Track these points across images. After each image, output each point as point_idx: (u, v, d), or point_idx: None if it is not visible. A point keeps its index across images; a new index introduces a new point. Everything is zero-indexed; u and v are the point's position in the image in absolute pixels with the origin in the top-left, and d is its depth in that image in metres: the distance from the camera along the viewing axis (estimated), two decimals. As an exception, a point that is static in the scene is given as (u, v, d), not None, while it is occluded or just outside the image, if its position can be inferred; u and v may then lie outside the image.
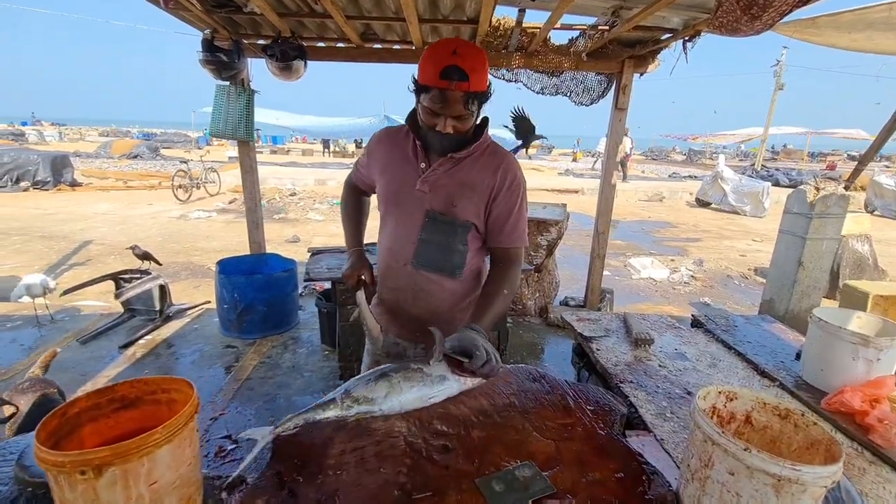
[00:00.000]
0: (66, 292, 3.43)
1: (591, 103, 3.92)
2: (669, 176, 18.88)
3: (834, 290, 4.89)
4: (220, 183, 11.30)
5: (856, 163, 4.50)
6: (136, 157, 17.48)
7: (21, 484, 0.90)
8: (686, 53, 2.89)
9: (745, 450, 0.78)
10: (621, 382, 1.42)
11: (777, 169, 19.35)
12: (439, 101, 1.17)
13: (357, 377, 1.10)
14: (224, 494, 0.95)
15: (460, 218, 1.30)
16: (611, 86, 3.82)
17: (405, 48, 3.62)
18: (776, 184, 14.96)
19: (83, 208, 8.92)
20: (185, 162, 10.63)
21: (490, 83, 1.24)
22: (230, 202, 10.00)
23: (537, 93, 3.89)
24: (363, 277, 1.43)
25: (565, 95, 3.94)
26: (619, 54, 3.50)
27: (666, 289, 5.61)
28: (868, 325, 1.44)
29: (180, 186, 10.05)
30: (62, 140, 26.70)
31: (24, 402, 1.37)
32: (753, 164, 20.84)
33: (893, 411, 1.25)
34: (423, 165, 1.31)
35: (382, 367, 1.12)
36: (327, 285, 4.12)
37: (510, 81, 3.85)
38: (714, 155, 19.99)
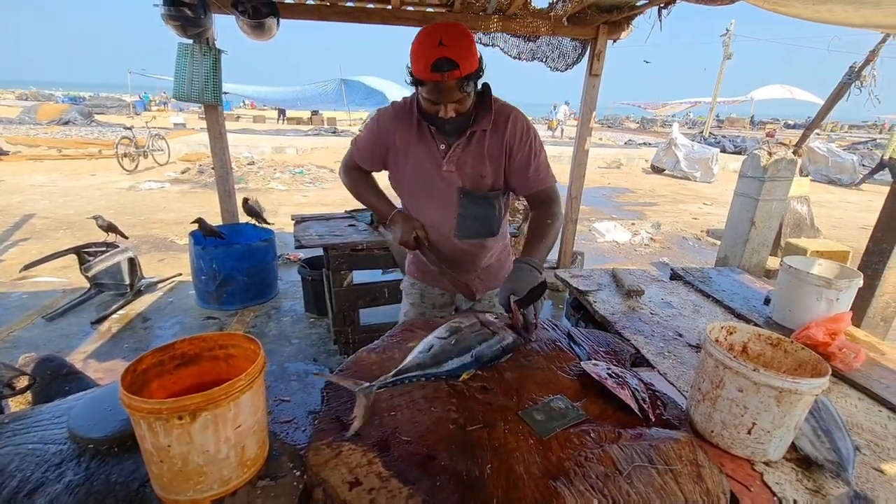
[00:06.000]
0: (25, 268, 3.22)
1: (566, 69, 3.98)
2: (625, 143, 19.48)
3: (776, 247, 5.36)
4: (168, 151, 10.59)
5: (792, 130, 4.86)
6: (66, 123, 15.98)
7: (80, 443, 0.91)
8: (661, 21, 2.99)
9: (754, 370, 0.92)
10: (621, 329, 1.56)
11: (724, 136, 20.40)
12: (435, 93, 1.23)
13: (441, 341, 1.17)
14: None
15: (492, 188, 1.39)
16: (585, 52, 3.89)
17: (380, 7, 3.51)
18: (723, 150, 15.80)
19: (16, 179, 8.15)
20: (130, 129, 9.85)
21: (480, 57, 1.27)
22: (183, 172, 9.43)
23: (514, 57, 3.90)
24: (419, 235, 1.46)
25: (541, 61, 3.98)
26: (594, 19, 3.56)
27: (628, 250, 5.94)
28: (828, 271, 1.65)
29: (125, 155, 9.35)
30: (-27, 104, 23.82)
31: (35, 376, 1.35)
32: (702, 132, 21.82)
33: (849, 342, 1.47)
34: (443, 147, 1.37)
35: (466, 338, 1.19)
36: (302, 254, 4.07)
37: (487, 45, 3.83)
38: (667, 123, 20.70)
